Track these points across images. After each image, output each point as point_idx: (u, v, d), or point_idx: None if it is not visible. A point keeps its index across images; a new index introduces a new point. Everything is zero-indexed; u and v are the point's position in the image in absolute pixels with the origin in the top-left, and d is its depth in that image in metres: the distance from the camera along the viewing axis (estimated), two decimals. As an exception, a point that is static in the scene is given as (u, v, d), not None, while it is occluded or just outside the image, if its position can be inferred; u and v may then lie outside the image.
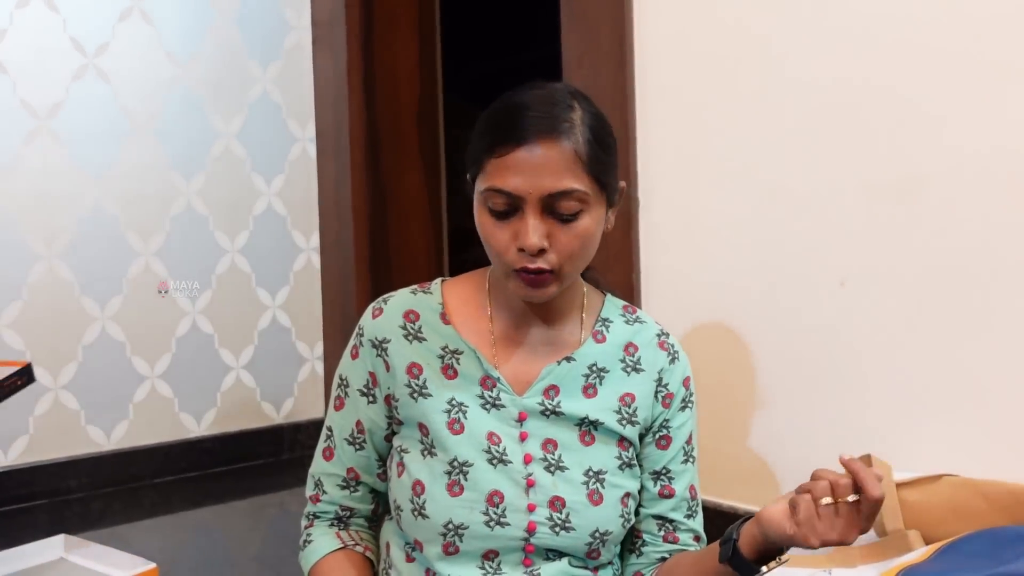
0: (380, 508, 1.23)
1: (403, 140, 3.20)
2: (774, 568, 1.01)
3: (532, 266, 1.05)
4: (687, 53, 2.04)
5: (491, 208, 1.06)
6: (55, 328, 2.58)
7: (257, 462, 2.95)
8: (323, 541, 1.19)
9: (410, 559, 1.16)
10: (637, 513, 1.19)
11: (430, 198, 3.27)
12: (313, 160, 3.17)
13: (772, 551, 1.02)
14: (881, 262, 1.74)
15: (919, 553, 1.41)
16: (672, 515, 1.19)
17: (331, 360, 3.18)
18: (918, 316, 1.69)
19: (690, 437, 1.21)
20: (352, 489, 1.20)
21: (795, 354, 1.87)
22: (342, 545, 1.18)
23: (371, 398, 1.17)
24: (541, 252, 1.04)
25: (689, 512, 1.20)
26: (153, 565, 1.88)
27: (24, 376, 1.21)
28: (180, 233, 2.84)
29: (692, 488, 1.20)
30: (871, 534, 1.56)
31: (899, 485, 1.56)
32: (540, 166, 1.02)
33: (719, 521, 1.96)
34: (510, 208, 1.05)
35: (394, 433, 1.18)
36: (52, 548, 2.03)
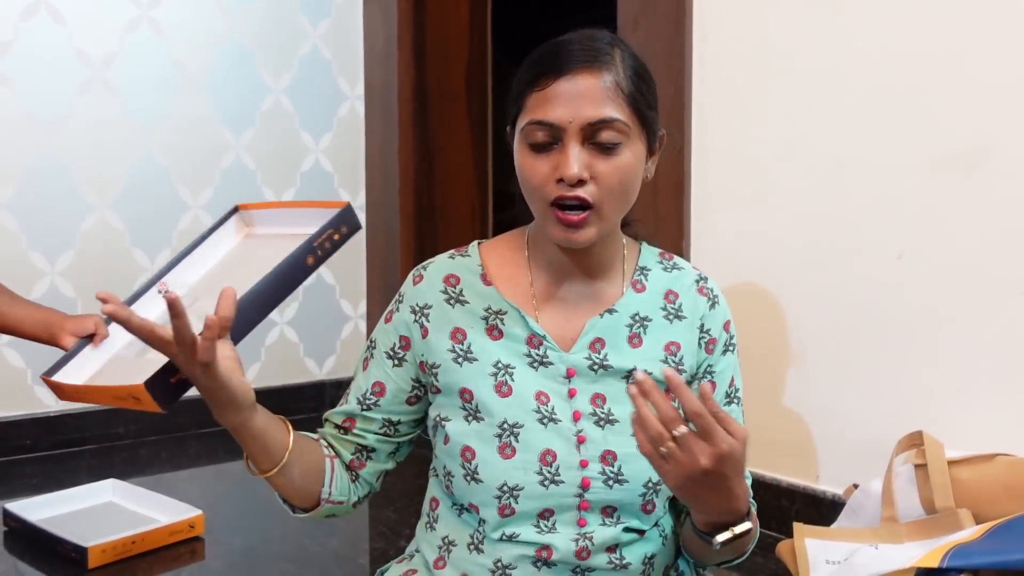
0: (362, 467, 1.20)
1: (452, 100, 3.17)
2: (727, 538, 1.00)
3: (571, 194, 1.03)
4: (747, 18, 1.99)
5: (531, 143, 1.05)
6: (106, 277, 2.62)
7: (299, 417, 2.96)
8: None
9: (460, 514, 1.16)
10: None
11: (476, 158, 3.25)
12: (361, 118, 3.17)
13: (730, 521, 1.00)
14: (940, 235, 1.69)
15: (970, 532, 1.38)
16: None
17: (374, 319, 3.19)
18: (975, 291, 1.65)
19: (732, 380, 1.19)
20: (342, 432, 1.19)
21: (846, 326, 1.83)
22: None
23: (397, 361, 1.17)
24: (581, 183, 1.03)
25: None
26: (199, 512, 1.92)
27: (346, 221, 1.11)
28: (229, 187, 2.85)
29: None
30: (920, 510, 1.54)
31: (951, 463, 1.53)
32: (581, 95, 1.02)
33: (757, 492, 1.95)
34: (550, 140, 1.04)
35: (419, 399, 1.17)
36: (102, 491, 2.08)
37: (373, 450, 1.20)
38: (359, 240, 3.19)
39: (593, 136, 1.03)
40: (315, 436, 1.19)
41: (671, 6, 2.11)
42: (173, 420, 2.73)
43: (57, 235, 2.55)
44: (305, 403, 3.02)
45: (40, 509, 1.93)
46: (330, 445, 1.20)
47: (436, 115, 3.15)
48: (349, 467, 1.20)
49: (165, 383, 0.96)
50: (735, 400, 1.20)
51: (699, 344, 1.17)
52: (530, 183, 1.06)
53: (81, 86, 2.57)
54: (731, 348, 1.20)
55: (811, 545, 1.54)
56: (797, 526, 1.53)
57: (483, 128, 3.26)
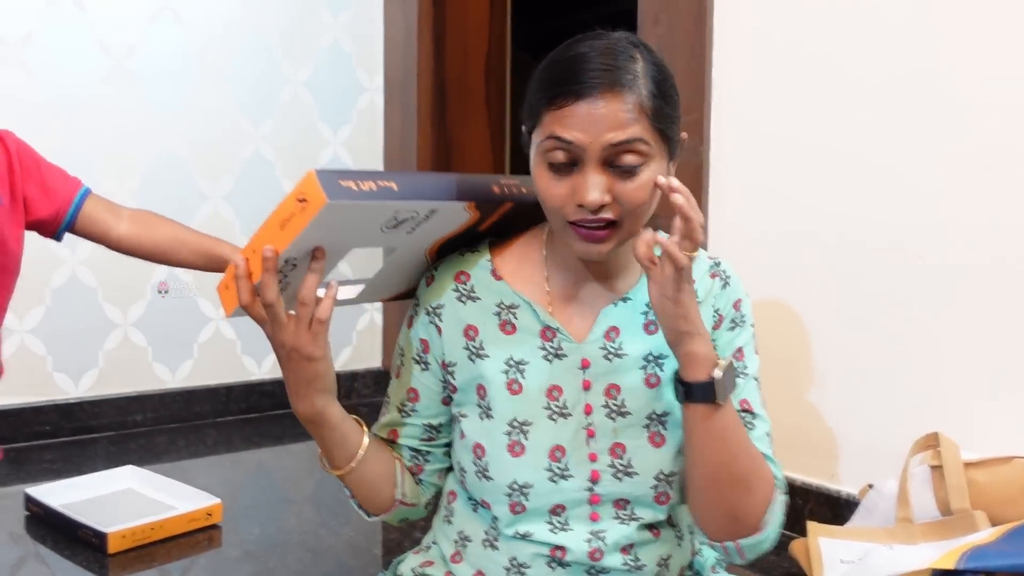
0: (421, 471, 1.22)
1: (470, 93, 3.18)
2: (724, 367, 1.02)
3: (591, 218, 1.02)
4: (769, 13, 1.98)
5: (550, 161, 1.03)
6: (125, 267, 2.64)
7: (314, 407, 3.00)
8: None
9: (475, 510, 1.17)
10: None
11: (494, 152, 3.26)
12: (380, 110, 3.18)
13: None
14: (960, 236, 1.69)
15: (986, 534, 1.38)
16: None
17: (389, 311, 3.20)
18: (994, 293, 1.64)
19: (740, 352, 1.14)
20: (390, 442, 1.22)
21: (864, 326, 1.83)
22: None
23: (424, 365, 1.17)
24: (601, 207, 1.01)
25: (744, 424, 1.13)
26: (217, 500, 1.94)
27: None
28: (248, 178, 2.87)
29: (744, 402, 1.13)
30: (935, 512, 1.54)
31: (967, 465, 1.53)
32: (601, 118, 0.99)
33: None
34: (569, 161, 1.02)
35: (451, 399, 1.18)
36: (121, 478, 2.10)
37: (427, 452, 1.21)
38: (376, 232, 3.20)
39: (614, 159, 1.00)
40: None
41: (692, 2, 2.10)
42: (191, 409, 2.76)
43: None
44: (321, 393, 3.03)
45: (61, 494, 1.95)
46: None
47: (455, 107, 3.15)
48: (411, 471, 1.22)
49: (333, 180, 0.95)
50: (741, 375, 1.14)
51: (711, 324, 1.15)
52: (548, 202, 1.05)
53: (103, 76, 2.59)
54: (740, 324, 1.16)
55: (825, 544, 1.55)
56: (811, 525, 1.53)
57: (500, 121, 3.26)
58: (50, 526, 1.88)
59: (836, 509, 1.83)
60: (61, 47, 2.51)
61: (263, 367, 2.93)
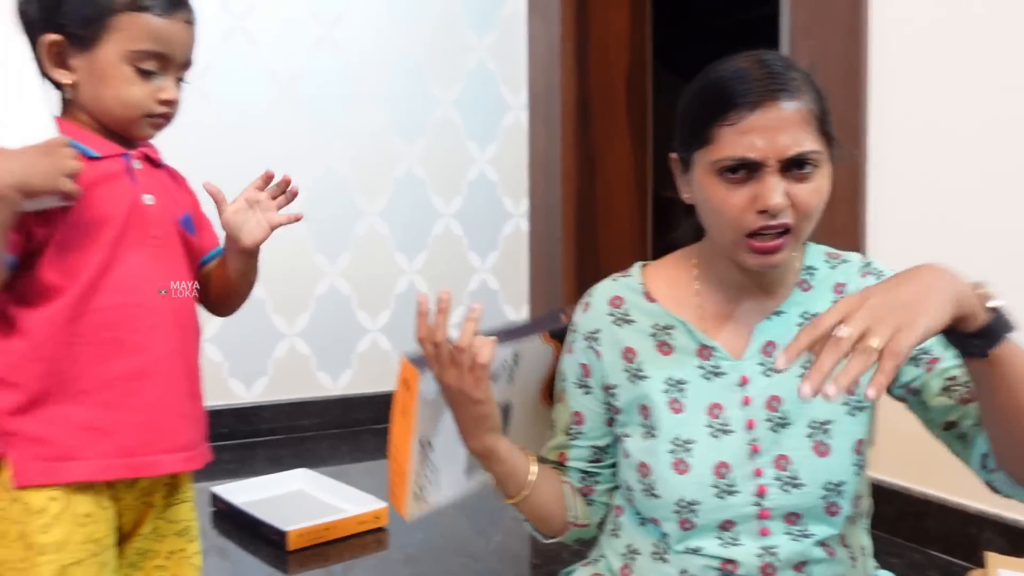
0: (591, 491, 1.24)
1: (613, 107, 3.21)
2: (986, 289, 0.95)
3: (774, 223, 1.04)
4: (929, 26, 1.93)
5: (724, 178, 1.05)
6: (291, 280, 2.82)
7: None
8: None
9: (643, 524, 1.20)
10: (932, 417, 1.11)
11: (636, 166, 3.28)
12: (524, 127, 3.25)
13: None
14: None
15: None
16: (950, 373, 1.09)
17: (534, 322, 3.27)
18: None
19: None
20: (559, 465, 1.25)
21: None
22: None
23: (586, 389, 1.21)
24: (781, 212, 1.03)
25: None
26: (384, 504, 2.04)
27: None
28: (401, 195, 3.00)
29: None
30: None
31: None
32: (777, 128, 1.01)
33: (907, 508, 1.89)
34: (746, 174, 1.04)
35: (614, 420, 1.22)
36: (294, 480, 2.24)
37: (596, 474, 1.24)
38: (521, 247, 3.28)
39: (790, 166, 1.03)
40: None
41: (846, 14, 2.07)
42: (351, 415, 2.90)
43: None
44: (469, 402, 3.13)
45: (242, 493, 2.10)
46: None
47: (598, 122, 3.20)
48: (581, 493, 1.25)
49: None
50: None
51: None
52: (725, 215, 1.07)
53: (271, 101, 2.77)
54: None
55: None
56: (990, 556, 1.48)
57: (643, 134, 3.28)
58: (234, 522, 2.03)
59: (1012, 539, 1.75)
60: (234, 76, 2.71)
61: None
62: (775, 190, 1.02)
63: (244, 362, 2.75)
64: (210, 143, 2.67)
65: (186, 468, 1.15)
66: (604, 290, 1.22)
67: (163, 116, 1.14)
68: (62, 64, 1.09)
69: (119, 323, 1.08)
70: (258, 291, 2.75)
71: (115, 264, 1.08)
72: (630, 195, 3.27)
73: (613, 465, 1.24)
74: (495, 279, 3.21)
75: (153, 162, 1.17)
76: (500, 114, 3.20)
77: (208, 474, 2.38)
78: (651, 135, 3.30)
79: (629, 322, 1.18)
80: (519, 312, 3.28)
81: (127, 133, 1.13)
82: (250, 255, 1.22)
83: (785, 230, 1.05)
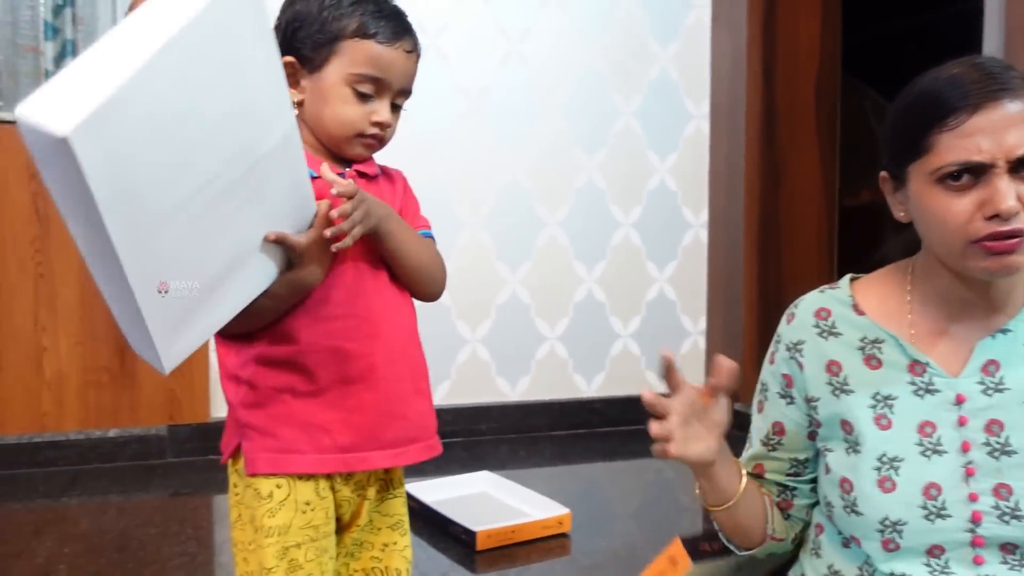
0: (790, 506, 1.21)
1: (800, 116, 3.12)
2: None
3: (1006, 228, 0.99)
4: None
5: (948, 184, 1.01)
6: (474, 287, 2.90)
7: (639, 427, 3.06)
8: None
9: (846, 545, 1.16)
10: None
11: (824, 176, 3.17)
12: (706, 137, 3.21)
13: None
14: None
15: None
16: None
17: (713, 335, 3.22)
18: None
19: None
20: (756, 477, 1.22)
21: None
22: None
23: (788, 399, 1.18)
24: (1013, 216, 0.98)
25: None
26: (567, 510, 2.06)
27: None
28: (581, 206, 3.03)
29: None
30: None
31: None
32: (1003, 128, 0.97)
33: None
34: (971, 180, 1.00)
35: (816, 434, 1.18)
36: (477, 482, 2.30)
37: (794, 488, 1.21)
38: (700, 257, 3.23)
39: (1020, 167, 0.98)
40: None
41: (1074, 9, 1.92)
42: (528, 421, 2.96)
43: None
44: (645, 414, 3.10)
45: (431, 492, 2.18)
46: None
47: (784, 131, 3.11)
48: (779, 507, 1.23)
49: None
50: None
51: None
52: (949, 225, 1.02)
53: (460, 115, 2.87)
54: None
55: None
56: None
57: (831, 143, 3.16)
58: (424, 519, 2.11)
59: None
60: (426, 92, 2.82)
61: (592, 385, 3.07)
62: (1006, 193, 0.97)
63: (430, 366, 2.85)
64: (402, 156, 2.79)
65: (394, 463, 1.19)
66: (811, 301, 1.19)
67: (374, 137, 1.18)
68: (294, 84, 1.17)
69: (337, 333, 1.14)
70: (444, 298, 2.85)
71: (333, 278, 1.14)
72: (817, 206, 3.16)
73: (813, 480, 1.21)
74: (673, 289, 3.19)
75: (367, 175, 1.22)
76: (681, 124, 3.18)
77: (397, 471, 2.51)
78: (839, 144, 3.18)
79: (835, 335, 1.15)
80: (696, 324, 3.23)
81: (341, 152, 1.20)
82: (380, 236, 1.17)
83: (1016, 235, 1.00)
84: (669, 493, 2.56)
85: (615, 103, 3.08)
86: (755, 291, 3.06)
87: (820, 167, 3.16)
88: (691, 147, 3.19)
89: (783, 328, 1.21)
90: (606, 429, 3.03)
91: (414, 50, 1.20)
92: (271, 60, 0.98)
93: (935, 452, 1.07)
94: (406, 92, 1.21)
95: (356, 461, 1.16)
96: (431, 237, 1.26)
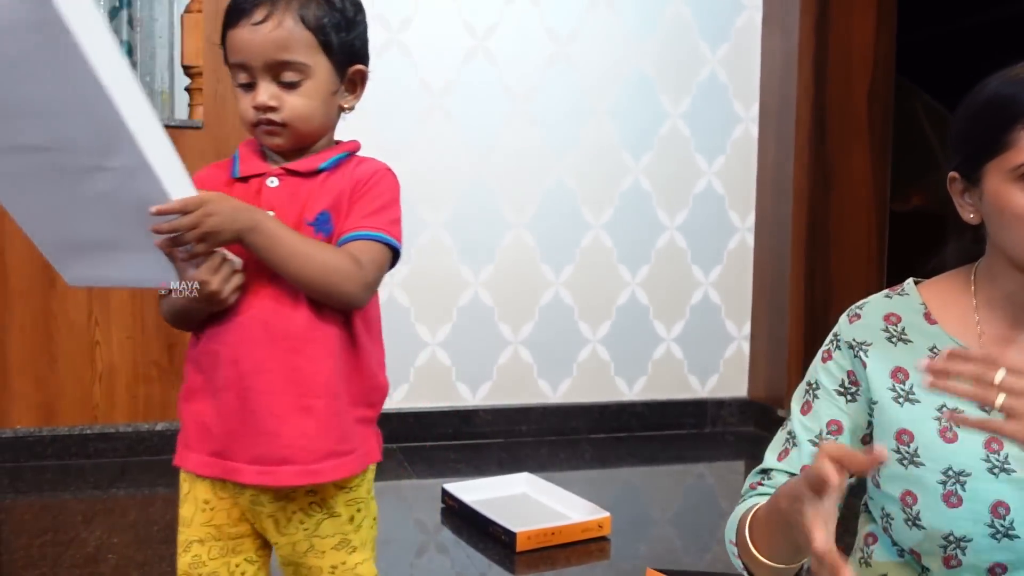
0: None
1: (852, 119, 3.07)
2: None
3: None
4: None
5: None
6: (518, 289, 2.91)
7: (680, 431, 3.06)
8: (748, 503, 1.16)
9: (901, 555, 1.14)
10: None
11: (876, 182, 3.11)
12: (754, 141, 3.18)
13: None
14: None
15: None
16: None
17: (757, 341, 3.18)
18: None
19: None
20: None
21: None
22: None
23: (850, 396, 1.15)
24: None
25: None
26: (607, 513, 2.06)
27: None
28: (627, 209, 3.02)
29: None
30: None
31: None
32: None
33: None
34: None
35: (870, 436, 1.16)
36: (517, 483, 2.31)
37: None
38: (746, 261, 3.20)
39: None
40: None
41: None
42: (569, 424, 2.95)
43: (479, 250, 2.87)
44: (687, 418, 3.10)
45: (471, 492, 2.19)
46: None
47: (835, 136, 3.06)
48: None
49: None
50: None
51: None
52: None
53: (506, 117, 2.87)
54: None
55: None
56: None
57: (884, 147, 3.10)
58: (463, 519, 2.12)
59: None
60: (475, 95, 2.84)
61: (634, 389, 3.05)
62: None
63: (471, 367, 2.86)
64: (450, 158, 2.82)
65: (260, 482, 1.12)
66: (879, 305, 1.17)
67: (268, 124, 1.12)
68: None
69: (216, 336, 1.11)
70: (486, 299, 2.87)
71: None
72: (868, 211, 3.10)
73: (849, 486, 1.19)
74: (717, 293, 3.16)
75: (299, 173, 1.15)
76: (730, 127, 3.15)
77: (437, 471, 2.53)
78: (891, 150, 3.12)
79: (906, 342, 1.13)
80: (741, 329, 3.20)
81: (263, 146, 1.17)
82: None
83: None
84: (709, 499, 2.54)
85: (663, 105, 3.05)
86: (802, 296, 3.02)
87: (871, 172, 3.10)
88: (739, 150, 3.16)
89: (845, 327, 1.19)
90: (647, 433, 3.01)
91: (265, 19, 1.09)
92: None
93: (1003, 470, 1.05)
94: (286, 64, 1.11)
95: (230, 471, 1.13)
96: (380, 240, 1.14)
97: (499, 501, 2.19)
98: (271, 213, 1.11)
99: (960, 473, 1.06)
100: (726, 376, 3.17)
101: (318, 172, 1.16)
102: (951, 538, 1.05)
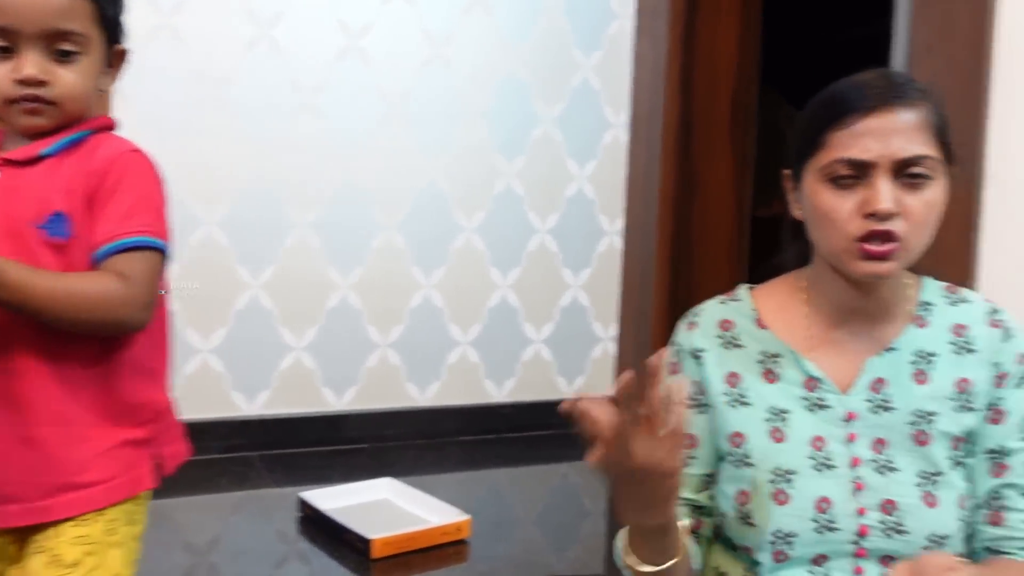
0: (700, 526, 1.18)
1: (716, 127, 3.16)
2: None
3: (880, 227, 1.02)
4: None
5: (834, 182, 1.04)
6: (388, 291, 2.87)
7: (548, 432, 3.09)
8: None
9: (734, 549, 1.17)
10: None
11: (737, 187, 3.22)
12: (624, 146, 3.23)
13: None
14: None
15: None
16: (1002, 492, 1.11)
17: (624, 342, 3.24)
18: None
19: None
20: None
21: None
22: None
23: (700, 408, 1.18)
24: (890, 217, 1.01)
25: None
26: (467, 516, 2.05)
27: None
28: (499, 212, 3.03)
29: None
30: None
31: None
32: (891, 131, 1.00)
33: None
34: (855, 179, 1.03)
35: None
36: (379, 489, 2.28)
37: (704, 507, 1.19)
38: (615, 264, 3.25)
39: (902, 171, 1.01)
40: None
41: (970, 32, 1.99)
42: (438, 426, 2.94)
43: (351, 251, 2.82)
44: (554, 419, 3.11)
45: (329, 499, 2.15)
46: None
47: (700, 143, 3.15)
48: (690, 529, 1.18)
49: None
50: None
51: (991, 380, 1.11)
52: (833, 221, 1.05)
53: (380, 119, 2.83)
54: None
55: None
56: None
57: (746, 155, 3.22)
58: (320, 528, 2.08)
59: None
60: (347, 94, 2.78)
61: (503, 391, 3.07)
62: (884, 193, 1.01)
63: (337, 371, 2.81)
64: (322, 158, 2.75)
65: None
66: (713, 311, 1.20)
67: (31, 100, 0.98)
68: None
69: None
70: (354, 301, 2.82)
71: None
72: (730, 216, 3.21)
73: (695, 508, 1.21)
74: (586, 296, 3.20)
75: (16, 162, 1.01)
76: (601, 132, 3.20)
77: (295, 479, 2.47)
78: (753, 156, 3.24)
79: (738, 347, 1.16)
80: (608, 330, 3.26)
81: (13, 127, 1.01)
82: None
83: (894, 238, 1.03)
84: (574, 498, 2.57)
85: (536, 110, 3.08)
86: (666, 299, 3.10)
87: (734, 178, 3.20)
88: (610, 155, 3.21)
89: (683, 336, 1.20)
90: (515, 435, 3.02)
91: None
92: None
93: (826, 467, 1.09)
94: (65, 35, 0.98)
95: None
96: (143, 246, 1.00)
97: (359, 508, 2.16)
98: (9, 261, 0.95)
99: (788, 472, 1.10)
100: (593, 377, 3.22)
101: (39, 159, 1.00)
102: (779, 534, 1.09)
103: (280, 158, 2.64)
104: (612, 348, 3.26)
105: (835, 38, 3.93)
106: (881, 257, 1.03)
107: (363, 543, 1.92)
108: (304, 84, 2.72)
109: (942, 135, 1.03)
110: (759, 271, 1.28)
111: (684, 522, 1.07)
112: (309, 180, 2.73)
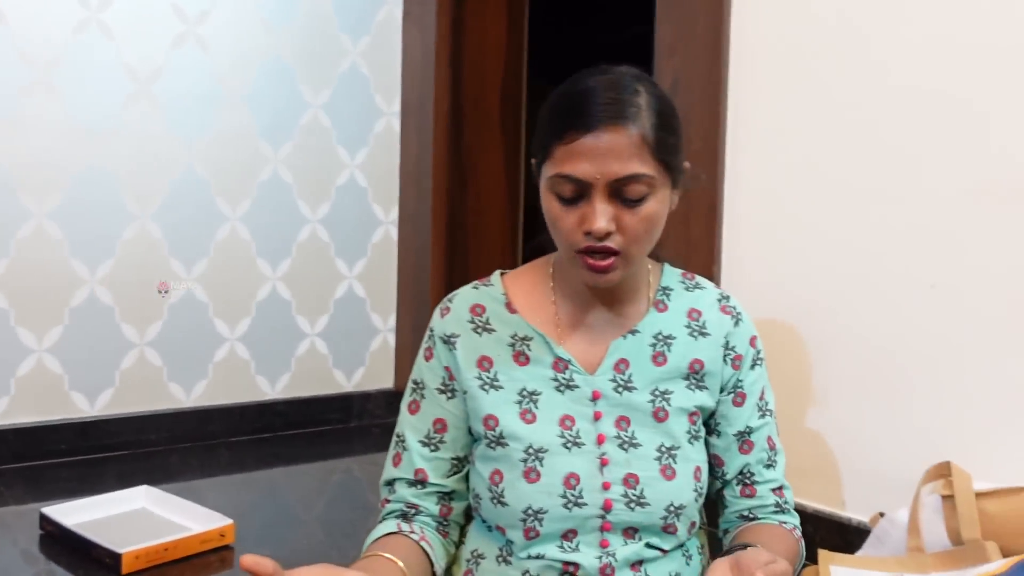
0: (450, 512, 1.22)
1: (486, 118, 3.21)
2: None
3: (598, 244, 1.07)
4: (784, 48, 2.00)
5: (558, 194, 1.08)
6: (143, 287, 2.68)
7: (326, 427, 3.02)
8: (381, 528, 1.20)
9: (490, 530, 1.18)
10: (718, 478, 1.22)
11: (508, 177, 3.28)
12: (397, 134, 3.21)
13: None
14: (973, 266, 1.69)
15: (997, 565, 1.37)
16: (751, 468, 1.21)
17: (403, 332, 3.22)
18: (1007, 322, 1.65)
19: (763, 393, 1.23)
20: (419, 487, 1.20)
21: (876, 354, 1.83)
22: (396, 531, 1.17)
23: (450, 393, 1.20)
24: (608, 235, 1.06)
25: (769, 462, 1.23)
26: (229, 521, 1.95)
27: None
28: (266, 200, 2.91)
29: (769, 439, 1.23)
30: (946, 541, 1.53)
31: (979, 495, 1.53)
32: (607, 152, 1.04)
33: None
34: (577, 194, 1.07)
35: (472, 428, 1.20)
36: (135, 498, 2.12)
37: (454, 491, 1.21)
38: (390, 254, 3.22)
39: (619, 191, 1.06)
40: (412, 531, 1.16)
41: (709, 35, 2.13)
42: (204, 428, 2.78)
43: (99, 243, 2.60)
44: (333, 414, 3.06)
45: (75, 514, 1.97)
46: (411, 507, 1.19)
47: (471, 132, 3.19)
48: (439, 517, 1.20)
49: None
50: (767, 413, 1.23)
51: (724, 360, 1.20)
52: (559, 231, 1.11)
53: (126, 100, 2.63)
54: (759, 363, 1.24)
55: (836, 573, 1.54)
56: (822, 553, 1.53)
57: (516, 146, 3.29)
58: (64, 545, 1.90)
59: (846, 537, 1.82)
60: (87, 71, 2.56)
61: (276, 387, 2.95)
62: (599, 214, 1.05)
63: (87, 374, 2.59)
64: (58, 141, 2.51)
65: None
66: (465, 297, 1.22)
67: None
68: None
69: None
70: (105, 298, 2.60)
71: None
72: (502, 205, 3.27)
73: (467, 480, 1.22)
74: (362, 286, 3.15)
75: None
76: (372, 120, 3.15)
77: (42, 494, 2.24)
78: (524, 146, 3.31)
79: (489, 331, 1.18)
80: (386, 321, 3.22)
81: None
82: None
83: (613, 252, 1.08)
84: (355, 492, 2.52)
85: (303, 95, 2.98)
86: (442, 287, 3.11)
87: (505, 169, 3.27)
88: (382, 144, 3.17)
89: (437, 322, 1.21)
90: (291, 432, 2.92)
91: None
92: None
93: (575, 444, 1.13)
94: None
95: None
96: None
97: (110, 520, 1.99)
98: None
99: (539, 450, 1.13)
100: (372, 368, 3.18)
101: None
102: (530, 511, 1.12)
103: (11, 140, 2.38)
104: (391, 339, 3.23)
105: (597, 39, 4.12)
106: (602, 270, 1.08)
107: (112, 558, 1.77)
108: (36, 58, 2.47)
109: (661, 151, 1.06)
110: (529, 258, 1.31)
111: (399, 564, 1.07)
112: (41, 165, 2.47)
